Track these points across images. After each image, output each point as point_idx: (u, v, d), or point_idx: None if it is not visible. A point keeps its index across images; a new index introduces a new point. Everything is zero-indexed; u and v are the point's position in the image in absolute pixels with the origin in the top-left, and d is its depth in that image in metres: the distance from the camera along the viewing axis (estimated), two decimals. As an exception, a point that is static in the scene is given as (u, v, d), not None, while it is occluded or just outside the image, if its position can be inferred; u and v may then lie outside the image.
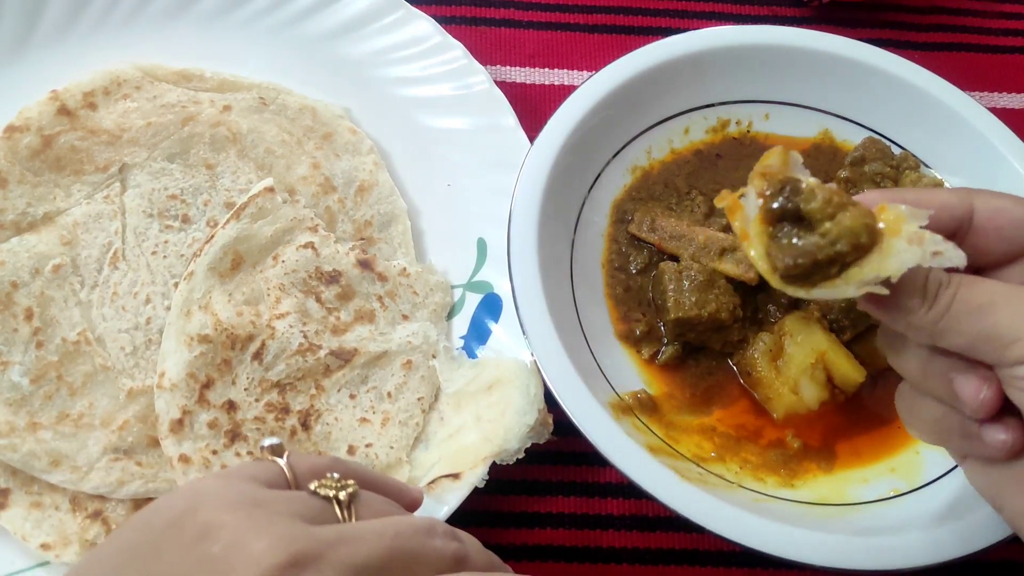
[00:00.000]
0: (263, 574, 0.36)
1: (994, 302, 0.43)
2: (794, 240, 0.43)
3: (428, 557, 0.42)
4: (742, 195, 0.46)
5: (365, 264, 0.67)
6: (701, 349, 0.68)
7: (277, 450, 0.46)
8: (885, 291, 0.42)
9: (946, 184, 0.73)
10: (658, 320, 0.68)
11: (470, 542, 0.45)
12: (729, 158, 0.76)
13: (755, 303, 0.68)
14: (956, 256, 0.41)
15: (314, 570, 0.37)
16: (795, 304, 0.68)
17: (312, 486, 0.43)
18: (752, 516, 0.56)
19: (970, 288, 0.44)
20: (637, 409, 0.64)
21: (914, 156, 0.74)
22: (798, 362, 0.64)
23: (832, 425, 0.65)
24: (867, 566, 0.55)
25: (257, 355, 0.63)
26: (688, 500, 0.56)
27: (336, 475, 0.44)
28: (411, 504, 0.49)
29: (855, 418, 0.66)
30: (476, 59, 0.78)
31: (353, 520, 0.43)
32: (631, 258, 0.71)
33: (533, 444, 0.63)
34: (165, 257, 0.68)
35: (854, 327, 0.66)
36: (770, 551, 0.55)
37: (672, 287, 0.66)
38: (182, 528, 0.39)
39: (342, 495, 0.43)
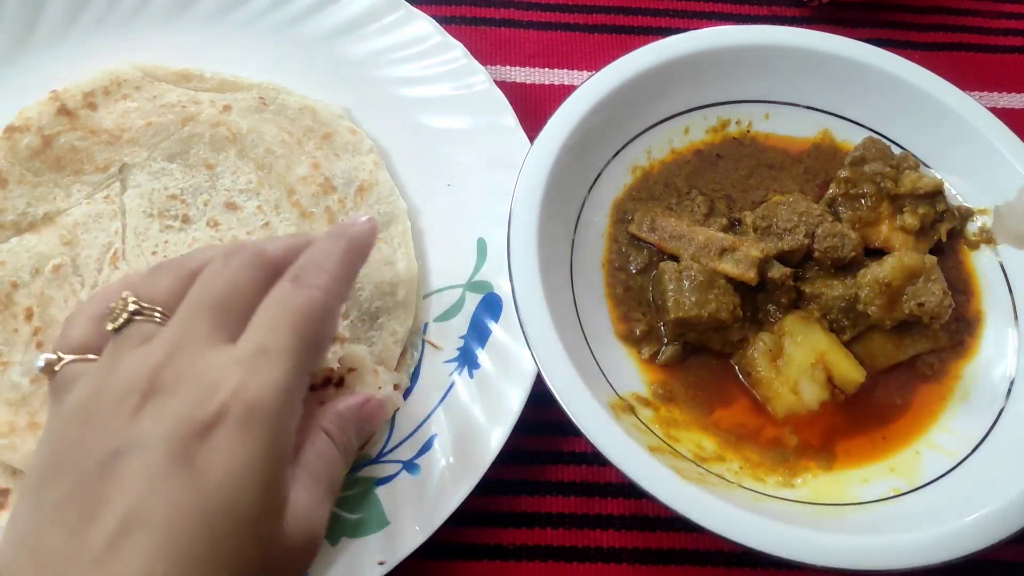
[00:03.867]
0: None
1: None
2: None
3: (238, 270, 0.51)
4: None
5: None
6: (701, 349, 0.68)
7: (51, 363, 0.50)
8: None
9: (946, 184, 0.73)
10: (658, 320, 0.68)
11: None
12: (729, 158, 0.76)
13: (755, 303, 0.68)
14: None
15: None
16: (795, 304, 0.68)
17: (108, 328, 0.49)
18: (752, 516, 0.56)
19: None
20: (637, 409, 0.64)
21: (914, 156, 0.74)
22: (798, 362, 0.64)
23: (832, 425, 0.65)
24: (867, 566, 0.55)
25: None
26: (688, 500, 0.56)
27: (108, 308, 0.51)
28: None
29: (855, 418, 0.66)
30: (476, 59, 0.78)
31: (153, 306, 0.50)
32: (631, 258, 0.71)
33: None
34: (165, 257, 0.68)
35: (854, 327, 0.66)
36: (770, 551, 0.55)
37: (672, 287, 0.66)
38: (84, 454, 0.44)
39: (123, 318, 0.49)
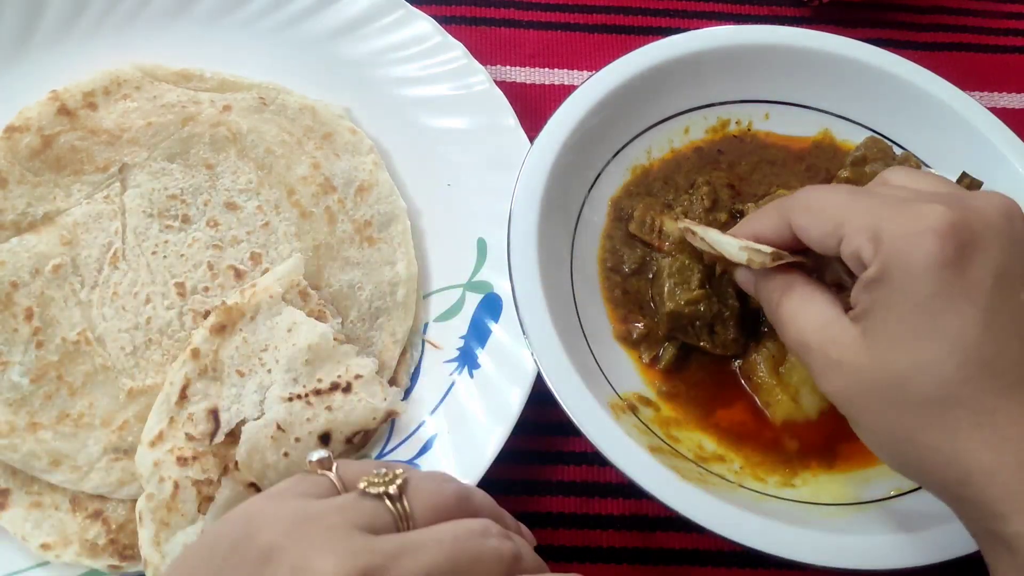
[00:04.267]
0: None
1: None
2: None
3: (487, 558, 0.43)
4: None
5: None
6: (700, 352, 0.67)
7: (325, 463, 0.46)
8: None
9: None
10: (656, 319, 0.68)
11: (520, 542, 0.46)
12: (731, 153, 0.76)
13: (758, 310, 0.68)
14: (763, 257, 0.53)
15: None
16: None
17: (361, 485, 0.44)
18: (752, 516, 0.56)
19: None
20: (637, 409, 0.64)
21: (916, 157, 0.74)
22: (801, 370, 0.64)
23: (832, 430, 0.65)
24: (867, 566, 0.55)
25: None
26: (688, 500, 0.56)
27: (383, 470, 0.45)
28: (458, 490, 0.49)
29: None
30: (476, 59, 0.78)
31: (407, 508, 0.44)
32: (624, 257, 0.70)
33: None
34: (165, 257, 0.68)
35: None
36: (770, 551, 0.55)
37: (669, 282, 0.65)
38: (244, 554, 0.40)
39: (392, 489, 0.44)
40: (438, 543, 0.41)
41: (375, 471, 0.45)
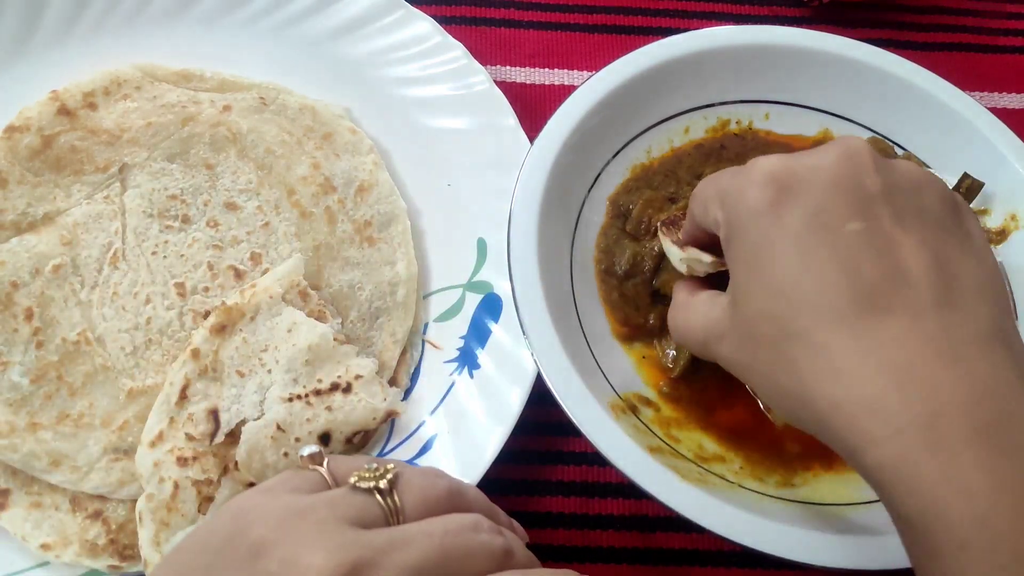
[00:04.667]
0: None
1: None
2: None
3: (478, 552, 0.43)
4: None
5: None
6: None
7: (316, 458, 0.47)
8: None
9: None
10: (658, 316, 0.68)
11: (512, 537, 0.46)
12: (732, 149, 0.76)
13: None
14: (704, 266, 0.55)
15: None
16: None
17: (352, 480, 0.44)
18: (753, 516, 0.56)
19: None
20: (637, 409, 0.64)
21: (917, 158, 0.74)
22: None
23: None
24: (867, 566, 0.55)
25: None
26: (688, 500, 0.56)
27: (374, 465, 0.45)
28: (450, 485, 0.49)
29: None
30: (476, 59, 0.78)
31: (397, 502, 0.44)
32: (616, 258, 0.70)
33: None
34: (165, 257, 0.68)
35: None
36: (770, 551, 0.55)
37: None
38: (235, 547, 0.40)
39: (382, 483, 0.44)
40: (428, 537, 0.41)
41: (366, 466, 0.45)
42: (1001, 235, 0.71)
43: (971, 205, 0.72)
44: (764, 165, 0.47)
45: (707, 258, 0.55)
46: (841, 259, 0.43)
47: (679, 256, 0.57)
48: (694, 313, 0.53)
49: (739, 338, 0.48)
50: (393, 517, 0.44)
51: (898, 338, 0.42)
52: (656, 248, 0.69)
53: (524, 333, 0.61)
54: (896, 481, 0.40)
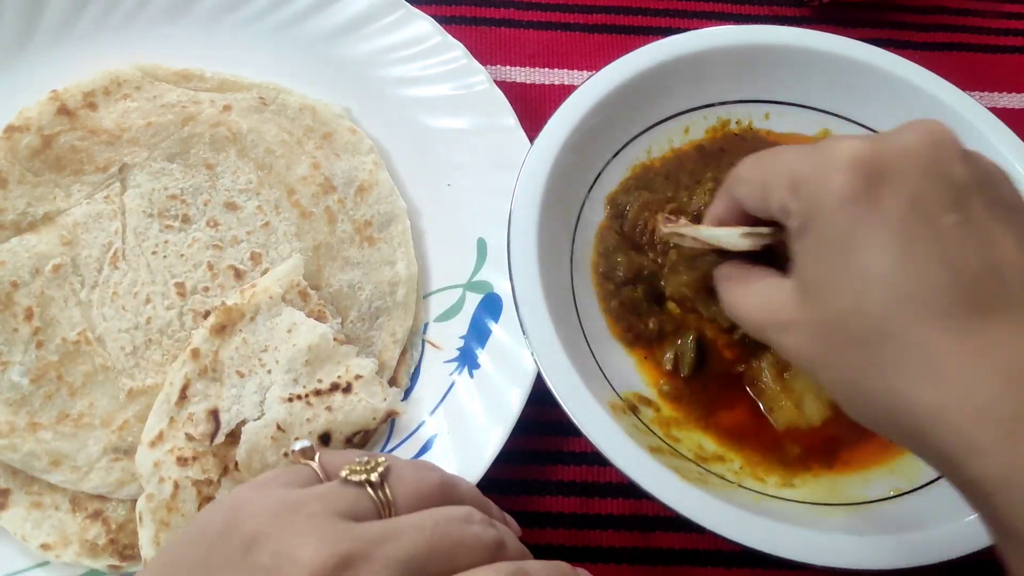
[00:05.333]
0: None
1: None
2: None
3: (469, 544, 0.43)
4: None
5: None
6: (705, 356, 0.67)
7: (308, 453, 0.47)
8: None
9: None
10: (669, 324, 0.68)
11: (504, 529, 0.46)
12: (733, 152, 0.76)
13: None
14: (764, 239, 0.53)
15: (364, 570, 0.39)
16: None
17: (343, 474, 0.44)
18: (752, 516, 0.56)
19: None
20: (637, 409, 0.64)
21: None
22: (805, 377, 0.64)
23: (835, 434, 0.65)
24: (868, 565, 0.55)
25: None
26: (688, 500, 0.56)
27: (365, 458, 0.45)
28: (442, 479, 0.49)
29: (859, 433, 0.65)
30: (476, 59, 0.78)
31: (388, 495, 0.44)
32: (617, 263, 0.69)
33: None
34: (165, 257, 0.68)
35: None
36: (770, 551, 0.55)
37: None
38: (229, 541, 0.41)
39: (373, 476, 0.44)
40: (419, 528, 0.42)
41: (357, 459, 0.45)
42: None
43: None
44: (848, 149, 0.44)
45: (765, 230, 0.52)
46: (942, 253, 0.40)
47: (737, 234, 0.53)
48: (753, 292, 0.50)
49: (812, 333, 0.44)
50: (385, 510, 0.44)
51: (1010, 340, 0.39)
52: (659, 258, 0.70)
53: (524, 333, 0.61)
54: (1005, 492, 0.37)
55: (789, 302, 0.46)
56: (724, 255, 0.56)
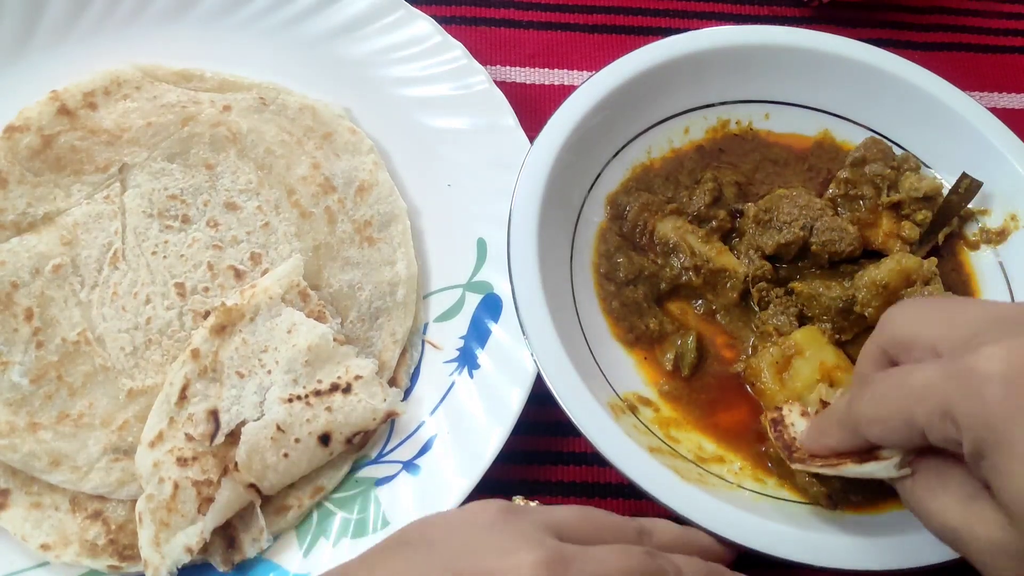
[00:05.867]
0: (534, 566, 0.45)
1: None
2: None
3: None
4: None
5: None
6: (705, 357, 0.67)
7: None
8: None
9: (946, 185, 0.73)
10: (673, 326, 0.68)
11: (687, 567, 0.50)
12: (732, 153, 0.76)
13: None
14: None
15: (575, 570, 0.46)
16: (802, 317, 0.68)
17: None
18: (752, 516, 0.56)
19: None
20: (637, 409, 0.64)
21: (915, 157, 0.74)
22: (804, 377, 0.64)
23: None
24: (867, 566, 0.55)
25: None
26: (688, 501, 0.56)
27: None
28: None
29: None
30: (476, 59, 0.78)
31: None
32: (618, 264, 0.69)
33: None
34: (165, 257, 0.68)
35: (852, 328, 0.67)
36: (770, 551, 0.55)
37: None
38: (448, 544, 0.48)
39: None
40: (611, 553, 0.48)
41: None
42: (1001, 235, 0.71)
43: (970, 205, 0.72)
44: (991, 356, 0.42)
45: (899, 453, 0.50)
46: None
47: (891, 465, 0.50)
48: (944, 500, 0.47)
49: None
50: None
51: None
52: (658, 259, 0.70)
53: (524, 334, 0.61)
54: None
55: (988, 516, 0.44)
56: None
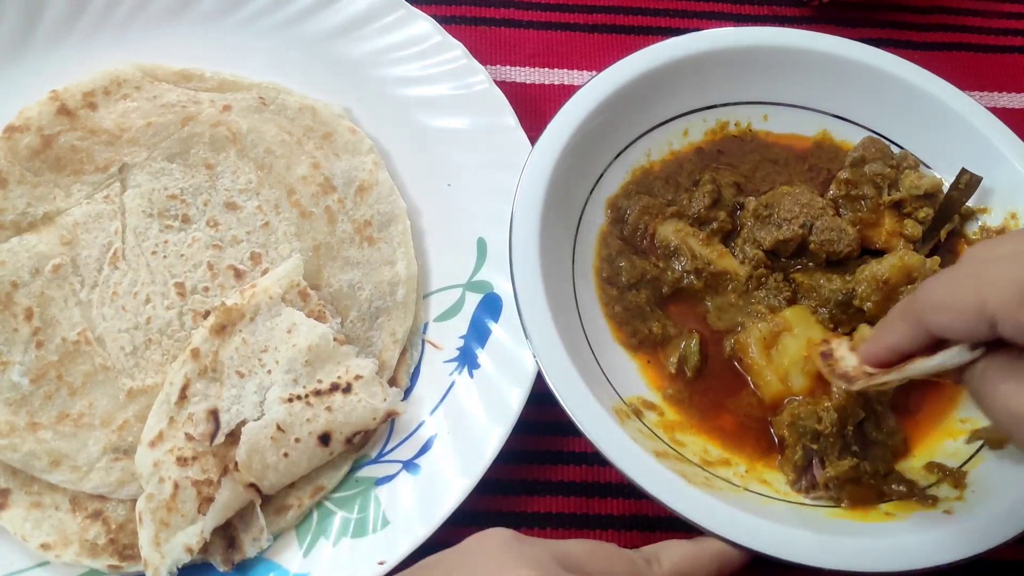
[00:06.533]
0: None
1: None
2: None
3: None
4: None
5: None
6: (708, 359, 0.67)
7: None
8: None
9: (945, 185, 0.73)
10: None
11: None
12: (731, 154, 0.76)
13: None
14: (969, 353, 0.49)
15: None
16: (793, 298, 0.68)
17: None
18: (761, 520, 0.56)
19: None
20: (641, 413, 0.64)
21: (914, 155, 0.74)
22: (791, 353, 0.64)
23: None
24: (872, 568, 0.54)
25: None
26: (697, 506, 0.56)
27: None
28: None
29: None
30: (476, 59, 0.78)
31: None
32: (620, 268, 0.69)
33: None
34: (165, 257, 0.68)
35: (850, 322, 0.67)
36: (782, 555, 0.54)
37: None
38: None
39: None
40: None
41: None
42: (1001, 234, 0.71)
43: (970, 202, 0.72)
44: None
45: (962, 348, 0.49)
46: None
47: (963, 348, 0.49)
48: (1011, 392, 0.47)
49: None
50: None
51: None
52: (659, 262, 0.70)
53: (526, 336, 0.61)
54: None
55: None
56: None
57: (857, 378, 0.56)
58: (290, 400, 0.63)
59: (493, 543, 0.50)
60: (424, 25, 0.79)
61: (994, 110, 0.73)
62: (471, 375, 0.67)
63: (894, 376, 0.53)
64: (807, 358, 0.64)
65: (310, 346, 0.64)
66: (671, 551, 0.54)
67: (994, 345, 0.48)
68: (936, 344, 0.50)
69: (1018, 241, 0.46)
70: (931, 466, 0.62)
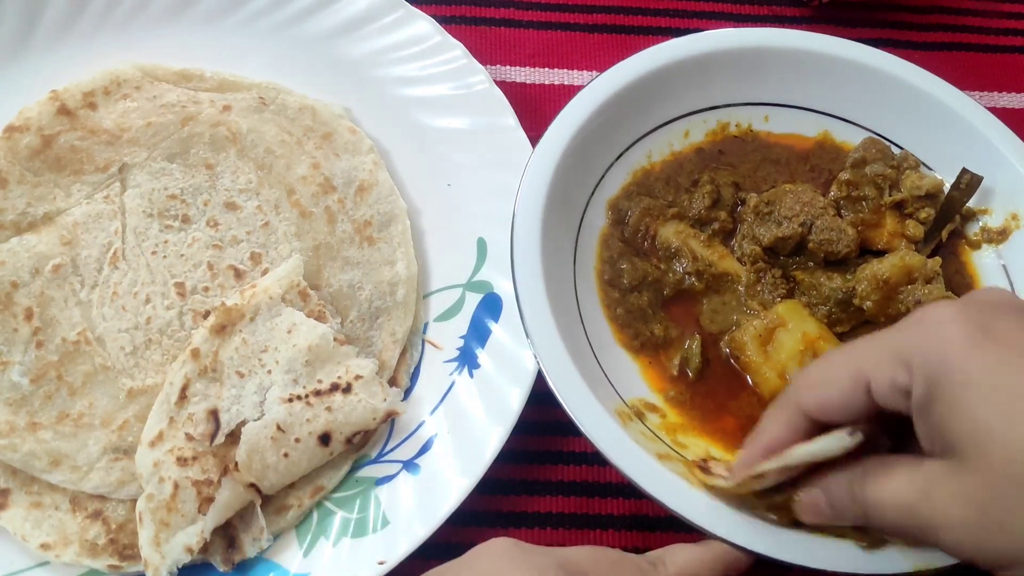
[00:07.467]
0: None
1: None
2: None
3: None
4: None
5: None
6: (710, 361, 0.67)
7: None
8: None
9: (946, 185, 0.73)
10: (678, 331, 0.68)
11: None
12: (732, 154, 0.76)
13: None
14: (853, 439, 0.48)
15: None
16: (790, 293, 0.69)
17: None
18: (764, 522, 0.55)
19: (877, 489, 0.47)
20: (644, 416, 0.63)
21: (914, 156, 0.74)
22: (788, 348, 0.64)
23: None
24: (875, 570, 0.54)
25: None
26: (700, 509, 0.55)
27: None
28: None
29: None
30: (476, 59, 0.78)
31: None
32: (622, 270, 0.69)
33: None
34: (165, 257, 0.68)
35: (849, 320, 0.67)
36: (786, 558, 0.54)
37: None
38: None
39: None
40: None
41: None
42: (1002, 235, 0.71)
43: (971, 203, 0.72)
44: (944, 306, 0.44)
45: (847, 431, 0.48)
46: None
47: (843, 435, 0.48)
48: (895, 485, 0.46)
49: (973, 497, 0.41)
50: None
51: None
52: (661, 264, 0.70)
53: (528, 337, 0.61)
54: None
55: (943, 479, 0.43)
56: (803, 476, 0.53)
57: (741, 473, 0.54)
58: (290, 400, 0.63)
59: (497, 552, 0.50)
60: (424, 25, 0.79)
61: (994, 110, 0.73)
62: (471, 375, 0.67)
63: (773, 464, 0.51)
64: (804, 352, 0.64)
65: (310, 346, 0.64)
66: (676, 554, 0.54)
67: (871, 438, 0.48)
68: (818, 431, 0.50)
69: (921, 312, 0.47)
70: None
